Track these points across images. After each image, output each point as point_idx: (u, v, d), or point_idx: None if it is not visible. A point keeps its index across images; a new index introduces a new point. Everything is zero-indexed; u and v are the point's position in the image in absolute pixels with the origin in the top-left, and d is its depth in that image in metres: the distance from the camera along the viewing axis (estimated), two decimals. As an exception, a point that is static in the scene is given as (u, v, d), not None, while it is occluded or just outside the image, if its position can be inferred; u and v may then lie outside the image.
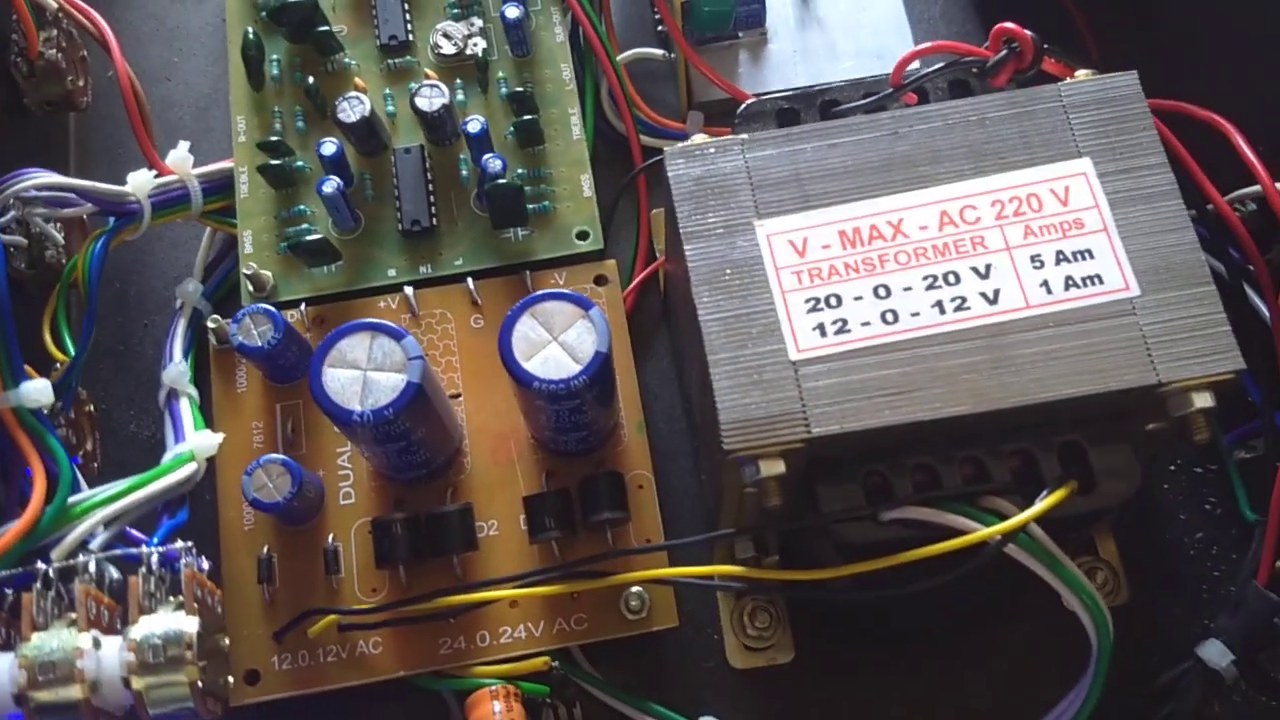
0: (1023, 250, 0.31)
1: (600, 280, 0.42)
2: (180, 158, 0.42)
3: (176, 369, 0.40)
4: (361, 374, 0.33)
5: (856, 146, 0.33)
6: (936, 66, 0.34)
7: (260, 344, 0.38)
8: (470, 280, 0.42)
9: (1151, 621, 0.40)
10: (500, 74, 0.45)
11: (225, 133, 0.46)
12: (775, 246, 0.32)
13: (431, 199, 0.43)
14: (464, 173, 0.44)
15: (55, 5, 0.42)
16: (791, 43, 0.47)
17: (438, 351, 0.41)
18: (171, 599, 0.31)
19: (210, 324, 0.41)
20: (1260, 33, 0.37)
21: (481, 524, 0.39)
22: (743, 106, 0.36)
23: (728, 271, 0.32)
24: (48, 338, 0.39)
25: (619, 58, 0.46)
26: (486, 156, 0.42)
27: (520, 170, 0.44)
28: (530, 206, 0.43)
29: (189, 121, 0.48)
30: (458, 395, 0.41)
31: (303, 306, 0.42)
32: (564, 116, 0.45)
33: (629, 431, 0.40)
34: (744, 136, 0.33)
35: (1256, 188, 0.35)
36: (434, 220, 0.43)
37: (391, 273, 0.42)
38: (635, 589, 0.37)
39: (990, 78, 0.34)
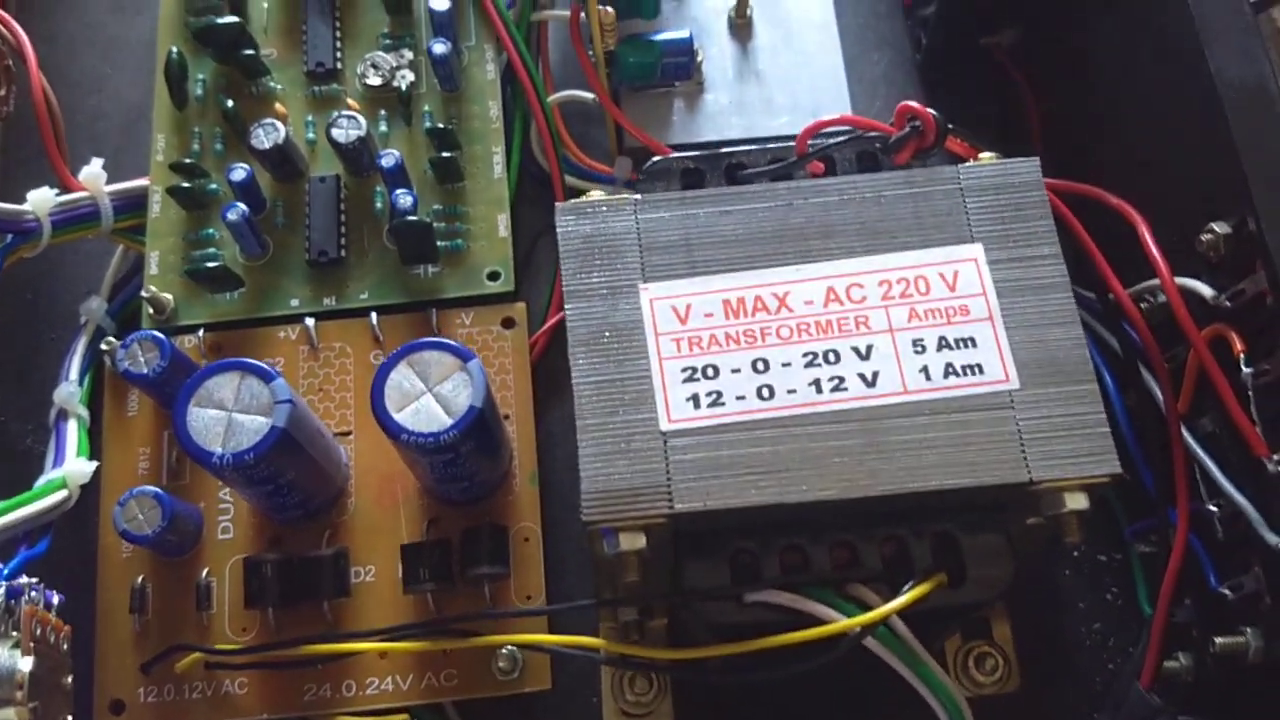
0: (906, 333, 0.31)
1: (508, 323, 0.42)
2: (93, 174, 0.41)
3: (67, 389, 0.39)
4: (227, 415, 0.32)
5: (750, 215, 0.32)
6: (840, 139, 0.34)
7: (145, 371, 0.37)
8: (374, 315, 0.41)
9: (1042, 711, 0.39)
10: (426, 108, 0.44)
11: (150, 147, 0.45)
12: (658, 311, 0.31)
13: (342, 230, 0.42)
14: (379, 205, 0.43)
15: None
16: (728, 94, 0.47)
17: (333, 386, 0.41)
18: (14, 633, 0.30)
19: (104, 346, 0.40)
20: (1190, 124, 0.36)
21: (358, 569, 0.38)
22: (648, 164, 0.36)
23: (607, 334, 0.31)
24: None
25: (551, 98, 0.45)
26: (398, 192, 0.41)
27: (436, 206, 0.43)
28: (443, 244, 0.42)
29: (115, 134, 0.48)
30: (348, 433, 0.40)
31: (200, 332, 0.41)
32: (486, 154, 0.44)
33: (521, 481, 0.39)
34: (637, 196, 0.33)
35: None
36: (343, 251, 0.42)
37: (295, 303, 0.42)
38: (507, 649, 0.36)
39: (893, 154, 0.33)
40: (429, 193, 0.43)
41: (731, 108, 0.47)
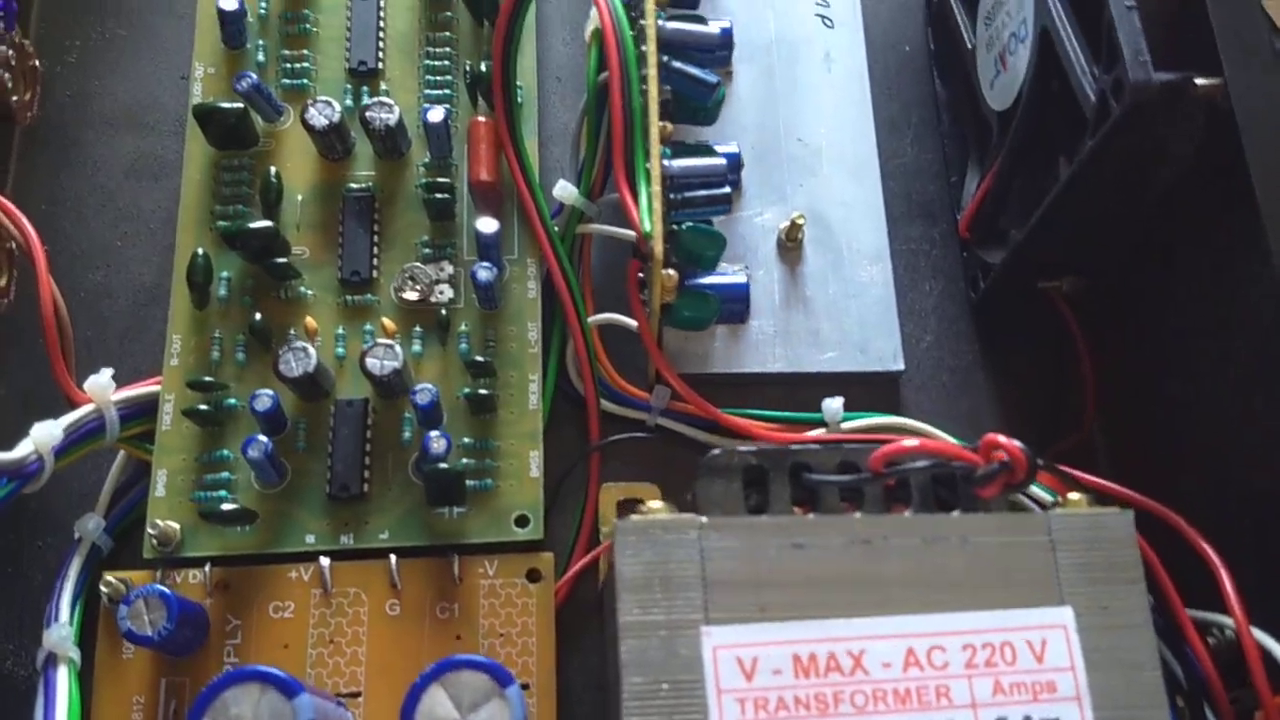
0: (990, 710, 0.29)
1: (533, 575, 0.39)
2: (100, 385, 0.38)
3: (59, 633, 0.36)
4: (243, 737, 0.29)
5: (824, 553, 0.30)
6: (921, 464, 0.32)
7: (150, 634, 0.34)
8: (393, 559, 0.39)
9: None
10: (464, 325, 0.42)
11: (161, 336, 0.42)
12: (721, 664, 0.29)
13: (366, 461, 0.40)
14: (406, 435, 0.40)
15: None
16: (774, 322, 0.45)
17: (344, 639, 0.38)
18: None
19: (104, 588, 0.37)
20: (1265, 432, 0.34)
21: None
22: (706, 457, 0.34)
23: (665, 686, 0.29)
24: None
25: (592, 319, 0.43)
26: (431, 434, 0.38)
27: (467, 439, 0.40)
28: (471, 483, 0.40)
29: (123, 317, 0.45)
30: (357, 694, 0.37)
31: (207, 568, 0.38)
32: (523, 381, 0.42)
33: (541, 764, 0.37)
34: (702, 520, 0.31)
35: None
36: (365, 486, 0.39)
37: (310, 539, 0.39)
38: None
39: (978, 487, 0.31)
40: (460, 423, 0.41)
41: (776, 337, 0.45)
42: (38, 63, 0.43)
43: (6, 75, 0.41)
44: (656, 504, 0.31)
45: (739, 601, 0.30)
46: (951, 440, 0.40)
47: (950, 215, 0.48)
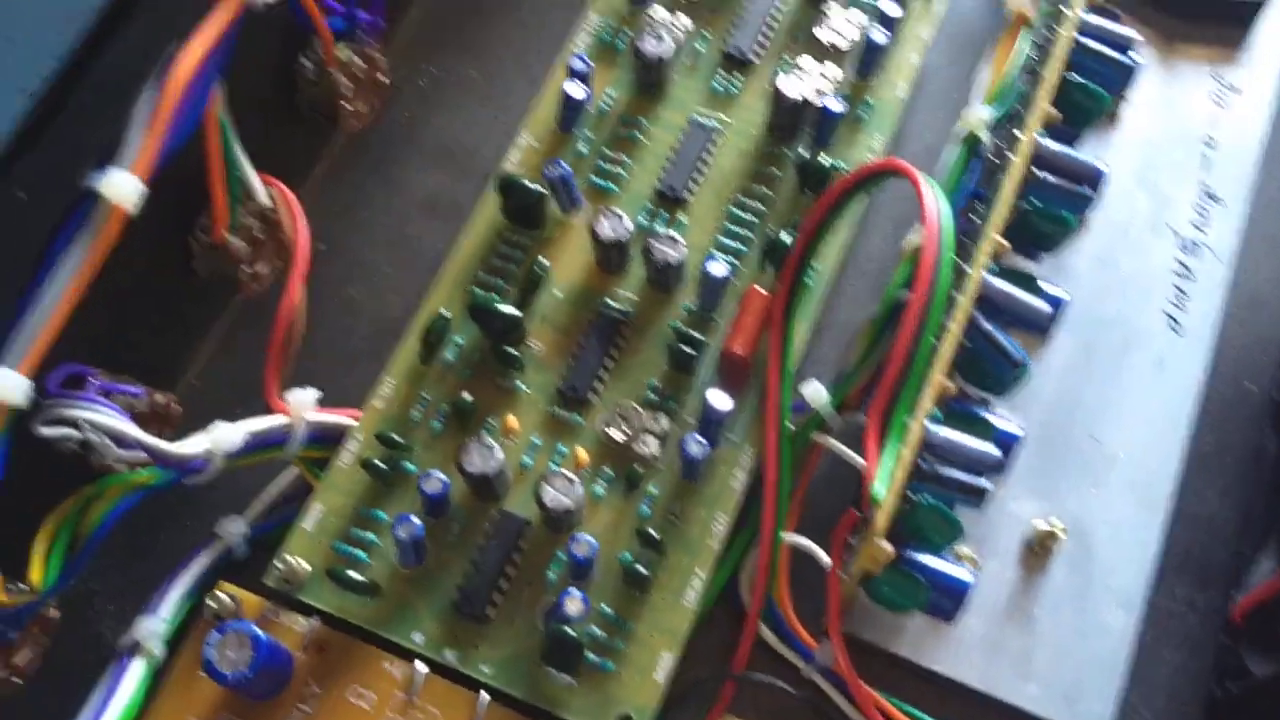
0: None
1: (612, 785, 0.36)
2: (302, 402, 0.38)
3: (150, 627, 0.36)
4: None
5: None
6: None
7: (225, 672, 0.33)
8: (484, 697, 0.36)
9: None
10: (653, 488, 0.39)
11: (380, 369, 0.41)
12: None
13: (502, 585, 0.37)
14: (551, 576, 0.38)
15: (268, 203, 0.39)
16: (985, 626, 0.39)
17: (406, 761, 0.35)
18: None
19: (210, 601, 0.37)
20: None
21: None
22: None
23: None
24: (37, 560, 0.34)
25: (786, 537, 0.39)
26: (570, 591, 0.36)
27: (606, 608, 0.37)
28: (591, 657, 0.36)
29: (358, 339, 0.44)
30: (393, 824, 0.35)
31: (315, 620, 0.37)
32: (686, 570, 0.38)
33: None
34: None
35: None
36: (489, 612, 0.37)
37: (418, 638, 0.37)
38: None
39: None
40: (607, 587, 0.38)
41: (981, 644, 0.39)
42: (388, 80, 0.44)
43: (344, 80, 0.41)
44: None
45: None
46: None
47: (1225, 588, 0.41)
